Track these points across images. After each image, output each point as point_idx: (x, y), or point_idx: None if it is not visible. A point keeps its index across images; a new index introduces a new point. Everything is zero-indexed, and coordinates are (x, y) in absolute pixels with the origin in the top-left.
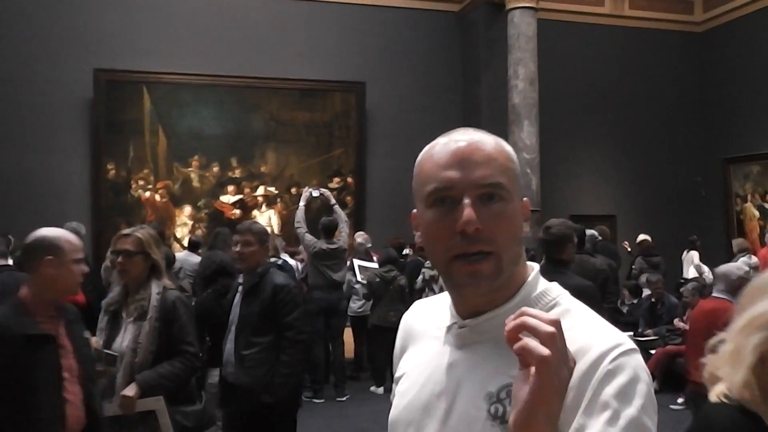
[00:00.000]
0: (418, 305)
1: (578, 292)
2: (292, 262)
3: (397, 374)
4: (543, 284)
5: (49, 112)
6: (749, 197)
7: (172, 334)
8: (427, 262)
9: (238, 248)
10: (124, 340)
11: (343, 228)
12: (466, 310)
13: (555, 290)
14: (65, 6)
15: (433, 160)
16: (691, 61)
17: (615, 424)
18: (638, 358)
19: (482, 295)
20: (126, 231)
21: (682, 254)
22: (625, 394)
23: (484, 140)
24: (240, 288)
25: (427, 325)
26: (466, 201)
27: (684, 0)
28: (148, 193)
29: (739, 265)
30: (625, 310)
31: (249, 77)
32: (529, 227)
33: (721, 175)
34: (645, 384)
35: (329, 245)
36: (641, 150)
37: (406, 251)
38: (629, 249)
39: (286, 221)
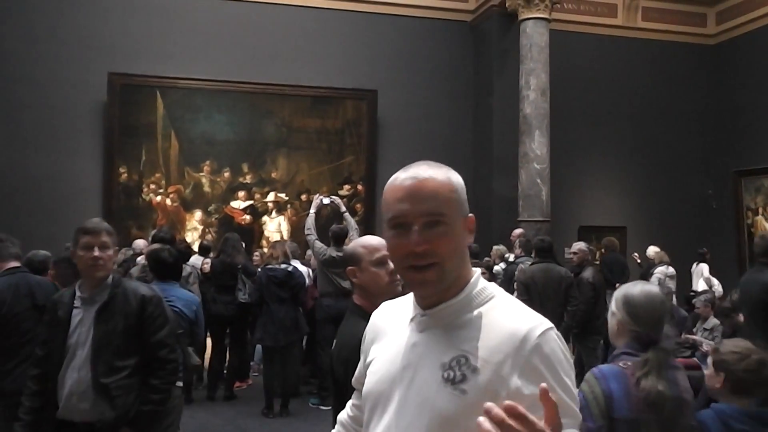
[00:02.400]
0: (385, 305)
1: None
2: (302, 268)
3: (368, 359)
4: (482, 283)
5: (63, 115)
6: (761, 210)
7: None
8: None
9: (95, 253)
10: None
11: (353, 236)
12: (424, 303)
13: (491, 287)
14: (81, 10)
15: (392, 193)
16: (704, 73)
17: (555, 389)
18: (554, 333)
19: (430, 295)
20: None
21: (691, 267)
22: (549, 361)
23: (433, 177)
24: (79, 303)
25: (393, 320)
26: (415, 228)
27: (697, 13)
28: (159, 197)
29: None
30: None
31: (262, 84)
32: (473, 238)
33: (733, 187)
34: (561, 351)
35: (339, 253)
36: (652, 161)
37: None
38: (639, 260)
39: (296, 227)
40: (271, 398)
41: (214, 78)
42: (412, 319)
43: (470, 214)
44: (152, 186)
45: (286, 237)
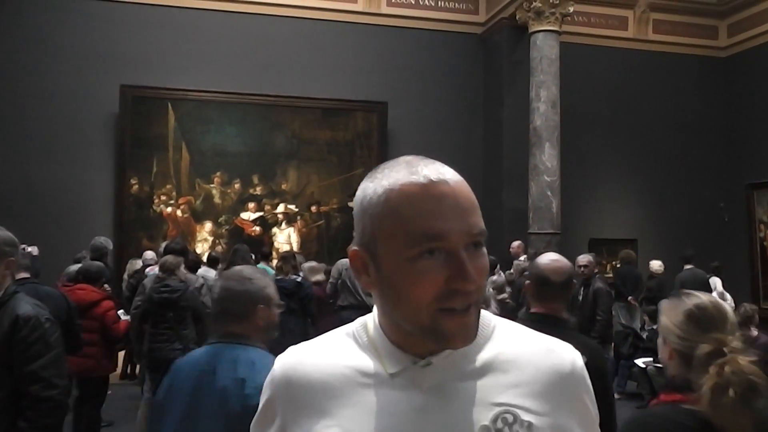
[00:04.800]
0: (297, 352)
1: None
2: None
3: None
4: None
5: (75, 127)
6: None
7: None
8: None
9: None
10: None
11: None
12: (422, 349)
13: (487, 315)
14: (93, 24)
15: (412, 203)
16: (715, 86)
17: (594, 422)
18: (581, 361)
19: (468, 344)
20: None
21: None
22: (590, 392)
23: (459, 178)
24: None
25: (336, 374)
26: (462, 256)
27: (708, 25)
28: (170, 209)
29: None
30: (645, 335)
31: (272, 96)
32: None
33: (745, 200)
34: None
35: None
36: (664, 174)
37: None
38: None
39: (306, 239)
40: None
41: (225, 90)
42: (394, 375)
43: None
44: (163, 197)
45: (295, 248)
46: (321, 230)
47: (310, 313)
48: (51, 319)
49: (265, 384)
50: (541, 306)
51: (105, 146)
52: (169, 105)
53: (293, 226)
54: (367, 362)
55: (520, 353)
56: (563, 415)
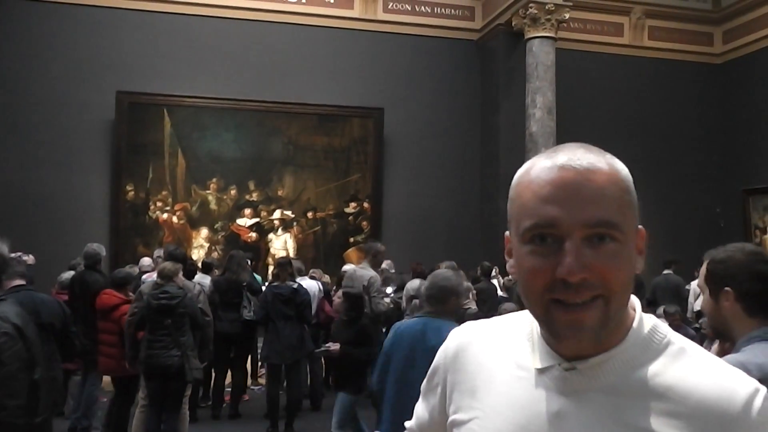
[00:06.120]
0: (473, 330)
1: None
2: (312, 283)
3: (457, 414)
4: (649, 319)
5: (71, 133)
6: None
7: None
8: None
9: None
10: None
11: None
12: (569, 351)
13: (662, 326)
14: (89, 30)
15: (532, 189)
16: (711, 92)
17: None
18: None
19: (584, 348)
20: None
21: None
22: None
23: (596, 167)
24: None
25: (497, 359)
26: (569, 245)
27: (704, 32)
28: (166, 215)
29: None
30: None
31: (268, 102)
32: (643, 262)
33: (740, 206)
34: None
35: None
36: (659, 180)
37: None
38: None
39: (302, 245)
40: (275, 417)
41: (221, 96)
42: (541, 371)
43: (640, 227)
44: (159, 204)
45: (292, 254)
46: (317, 236)
47: (306, 319)
48: (9, 332)
49: (439, 350)
50: None
51: (101, 152)
52: (165, 111)
53: (289, 232)
54: (524, 354)
55: (685, 379)
56: None
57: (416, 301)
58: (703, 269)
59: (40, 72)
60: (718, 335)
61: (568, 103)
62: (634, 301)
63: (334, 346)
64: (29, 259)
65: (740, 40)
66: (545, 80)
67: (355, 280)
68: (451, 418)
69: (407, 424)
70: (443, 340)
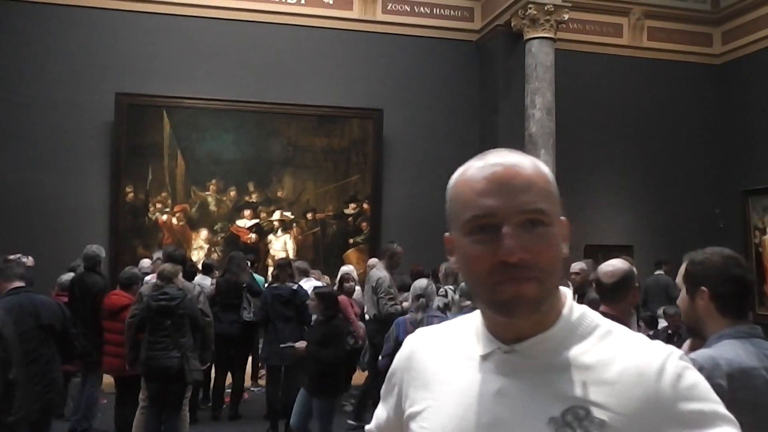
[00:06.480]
0: (425, 333)
1: None
2: (316, 284)
3: (412, 408)
4: (579, 307)
5: (71, 135)
6: None
7: None
8: (441, 289)
9: None
10: None
11: None
12: (508, 335)
13: (592, 313)
14: (88, 31)
15: (470, 186)
16: (710, 93)
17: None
18: (688, 361)
19: (529, 317)
20: None
21: None
22: (700, 396)
23: (522, 163)
24: None
25: (447, 354)
26: (506, 230)
27: (703, 33)
28: (165, 216)
29: None
30: None
31: (268, 103)
32: (567, 248)
33: (740, 207)
34: (703, 379)
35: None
36: (659, 181)
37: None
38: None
39: (302, 246)
40: (275, 418)
41: (220, 97)
42: (485, 357)
43: (562, 218)
44: (158, 205)
45: (291, 256)
46: (317, 237)
47: (306, 320)
48: None
49: (396, 355)
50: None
51: (100, 154)
52: (165, 113)
53: (289, 233)
54: (471, 345)
55: (610, 353)
56: (650, 418)
57: (423, 300)
58: (683, 269)
59: (39, 74)
60: (690, 331)
61: (567, 103)
62: (567, 291)
63: (300, 344)
64: (29, 260)
65: (739, 40)
66: (544, 81)
67: (369, 280)
68: (407, 412)
69: (367, 427)
70: None
